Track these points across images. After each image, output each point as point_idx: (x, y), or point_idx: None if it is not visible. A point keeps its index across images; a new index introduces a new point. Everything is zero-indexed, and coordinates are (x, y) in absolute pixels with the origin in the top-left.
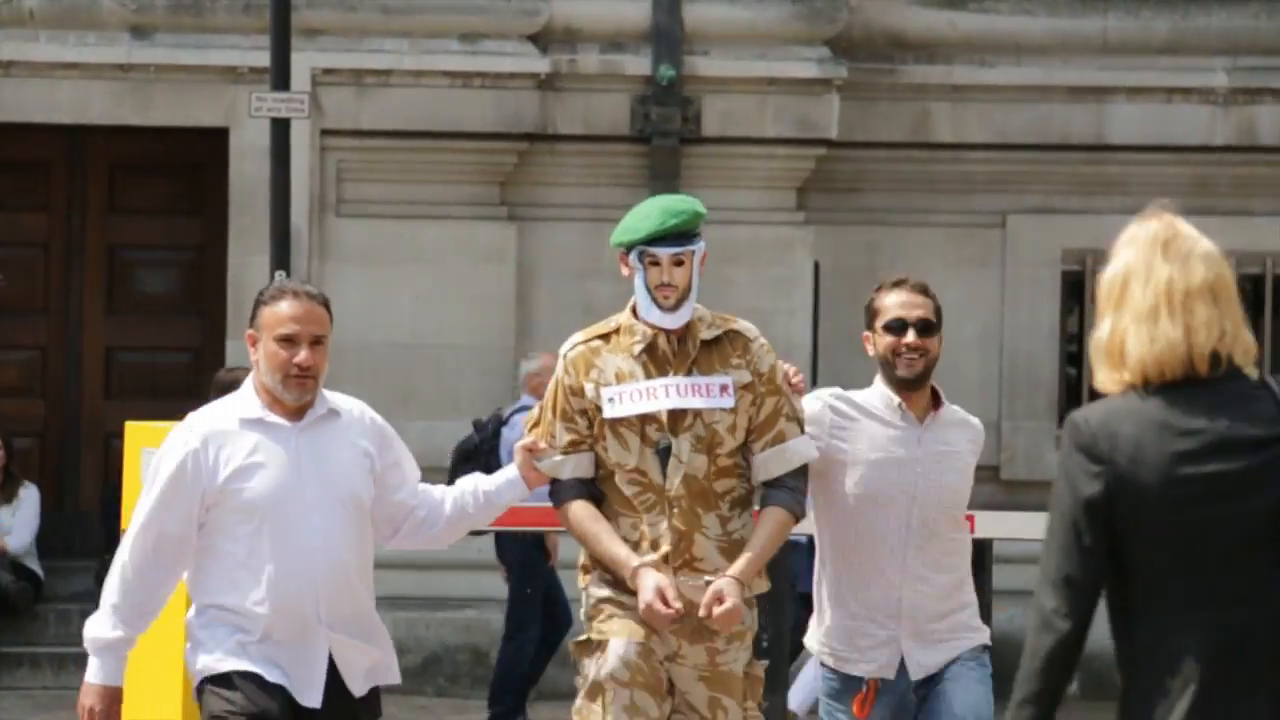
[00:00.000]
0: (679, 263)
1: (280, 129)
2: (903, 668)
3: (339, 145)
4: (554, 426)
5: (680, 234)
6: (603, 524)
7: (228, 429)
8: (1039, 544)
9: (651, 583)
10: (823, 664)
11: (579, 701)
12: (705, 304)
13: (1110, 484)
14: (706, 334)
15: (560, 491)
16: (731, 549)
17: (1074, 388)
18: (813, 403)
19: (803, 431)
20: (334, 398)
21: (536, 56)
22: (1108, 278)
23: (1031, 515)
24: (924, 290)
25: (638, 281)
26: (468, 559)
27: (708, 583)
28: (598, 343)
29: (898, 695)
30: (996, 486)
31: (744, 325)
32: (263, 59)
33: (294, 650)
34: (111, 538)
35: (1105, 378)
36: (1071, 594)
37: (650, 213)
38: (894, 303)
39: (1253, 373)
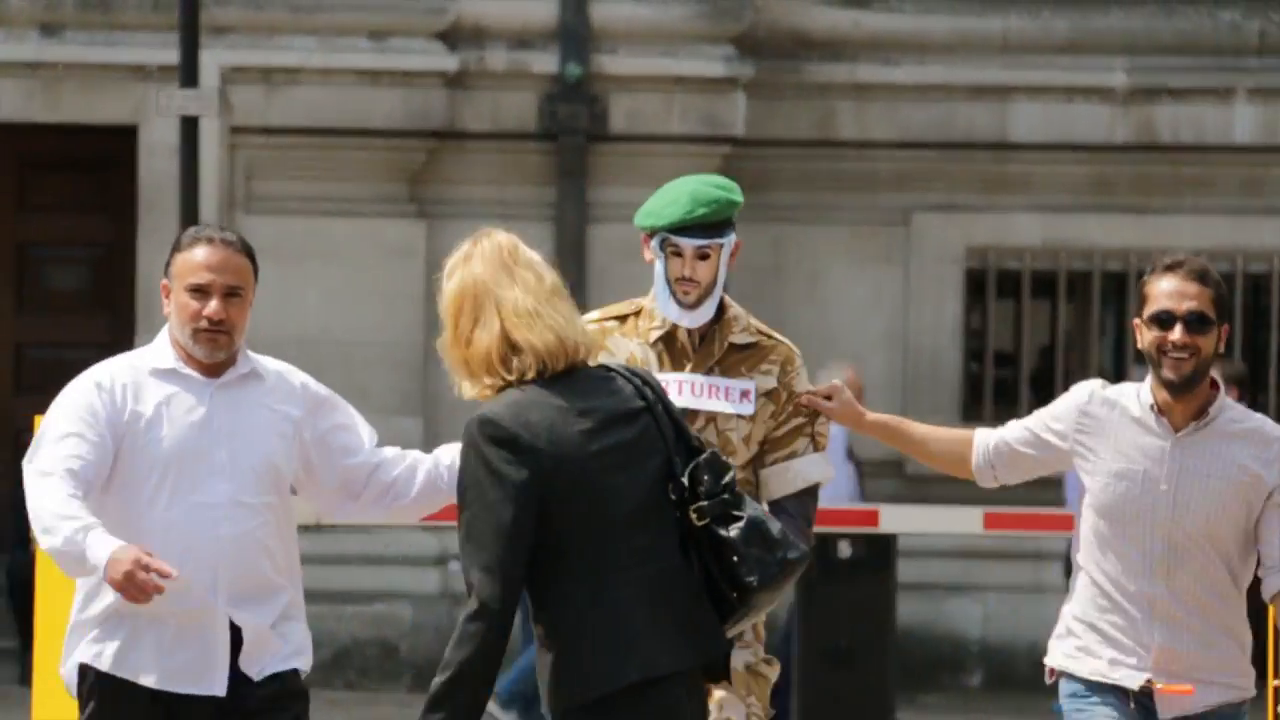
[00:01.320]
0: (704, 256)
1: (189, 126)
2: None
3: (248, 142)
4: None
5: (709, 224)
6: None
7: (138, 378)
8: (944, 538)
9: None
10: None
11: None
12: (610, 303)
13: (537, 467)
14: (738, 338)
15: None
16: None
17: (976, 384)
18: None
19: (819, 451)
20: (261, 360)
21: (444, 54)
22: (455, 293)
23: (937, 509)
24: (1202, 276)
25: (657, 270)
26: (375, 553)
27: None
28: (612, 324)
29: None
30: (900, 481)
31: (792, 346)
32: (171, 57)
33: (187, 630)
34: (21, 532)
35: (475, 386)
36: (505, 580)
37: (678, 197)
38: (1164, 290)
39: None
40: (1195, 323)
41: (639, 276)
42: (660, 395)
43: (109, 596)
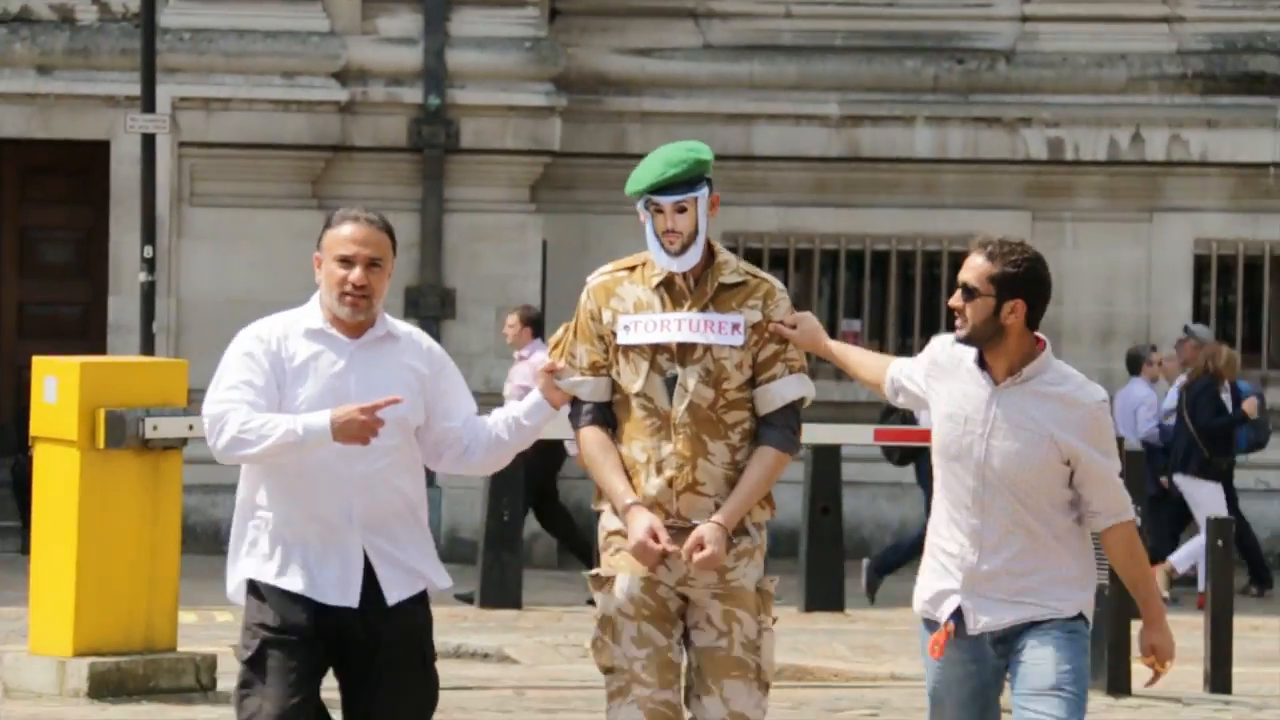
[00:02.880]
0: (681, 210)
1: (148, 141)
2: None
3: (192, 154)
4: (575, 347)
5: (682, 182)
6: (610, 455)
7: (291, 334)
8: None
9: (644, 523)
10: None
11: (594, 633)
12: (461, 275)
13: None
14: (728, 278)
15: (577, 415)
16: (738, 478)
17: None
18: None
19: (795, 373)
20: (395, 323)
21: (338, 89)
22: None
23: (840, 426)
24: (990, 255)
25: (647, 228)
26: None
27: (695, 524)
28: (622, 274)
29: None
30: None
31: (775, 281)
32: (135, 90)
33: (326, 553)
34: (22, 440)
35: None
36: None
37: (653, 164)
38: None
39: None
40: (965, 291)
41: (482, 254)
42: None
43: (261, 522)
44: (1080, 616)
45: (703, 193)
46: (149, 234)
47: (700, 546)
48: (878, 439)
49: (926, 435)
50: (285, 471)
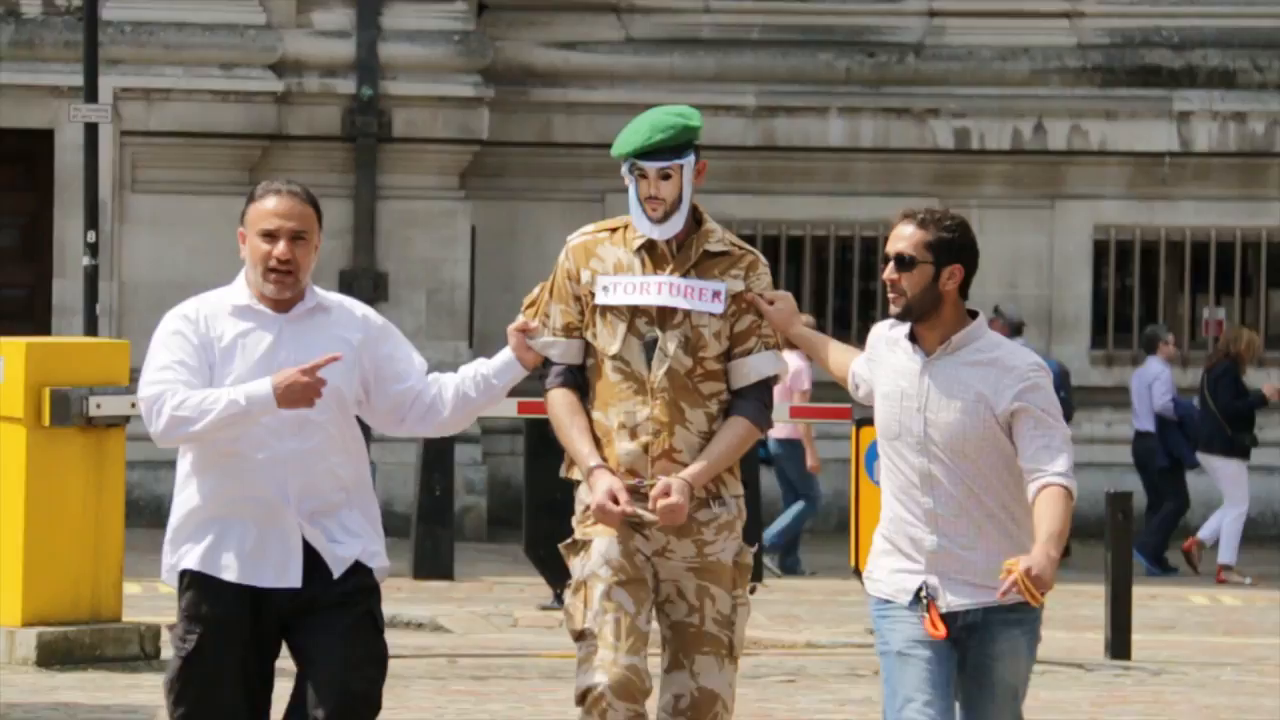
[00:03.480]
0: (666, 176)
1: (91, 130)
2: None
3: (133, 142)
4: (549, 308)
5: (668, 148)
6: (578, 418)
7: (218, 312)
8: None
9: (604, 485)
10: None
11: (567, 598)
12: (393, 260)
13: None
14: (713, 246)
15: (548, 375)
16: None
17: None
18: None
19: (770, 349)
20: (326, 295)
21: (274, 80)
22: None
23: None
24: (922, 222)
25: (630, 192)
26: None
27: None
28: (603, 235)
29: None
30: None
31: (759, 255)
32: (78, 80)
33: (265, 535)
34: None
35: None
36: None
37: (640, 127)
38: (891, 236)
39: None
40: (900, 262)
41: (413, 239)
42: None
43: (197, 505)
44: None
45: (689, 160)
46: (92, 219)
47: (665, 494)
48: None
49: (836, 412)
50: (219, 452)
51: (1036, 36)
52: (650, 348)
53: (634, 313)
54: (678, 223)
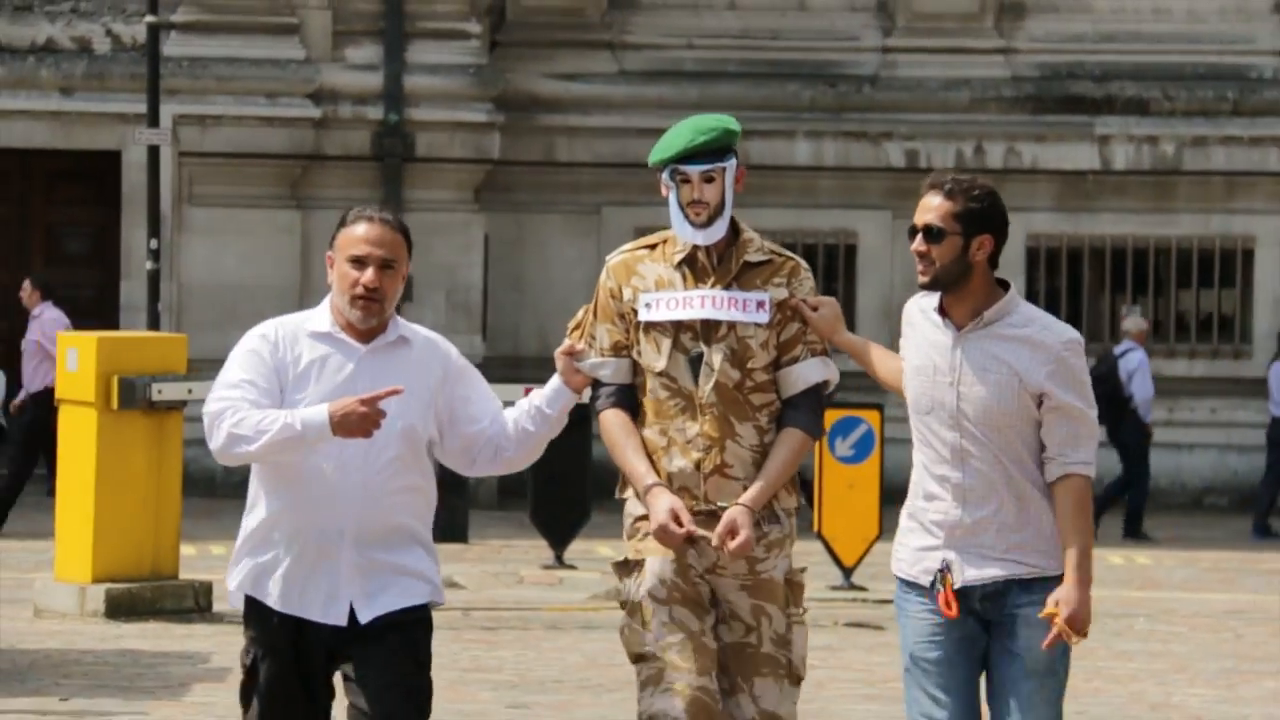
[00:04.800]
0: (709, 179)
1: (153, 152)
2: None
3: (190, 162)
4: (595, 329)
5: (711, 151)
6: (632, 437)
7: (298, 336)
8: None
9: (665, 504)
10: None
11: (623, 620)
12: (417, 265)
13: None
14: (753, 256)
15: (599, 397)
16: (765, 461)
17: None
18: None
19: (817, 356)
20: (410, 327)
21: (312, 107)
22: None
23: None
24: (949, 192)
25: (671, 200)
26: None
27: (723, 508)
28: (642, 252)
29: None
30: None
31: (801, 261)
32: (142, 108)
33: (316, 568)
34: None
35: None
36: None
37: (682, 131)
38: (919, 206)
39: None
40: (929, 233)
41: (434, 247)
42: None
43: (260, 524)
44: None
45: (731, 163)
46: (154, 229)
47: (732, 533)
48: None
49: None
50: (284, 478)
51: (976, 70)
52: (696, 363)
53: (678, 328)
54: (721, 228)
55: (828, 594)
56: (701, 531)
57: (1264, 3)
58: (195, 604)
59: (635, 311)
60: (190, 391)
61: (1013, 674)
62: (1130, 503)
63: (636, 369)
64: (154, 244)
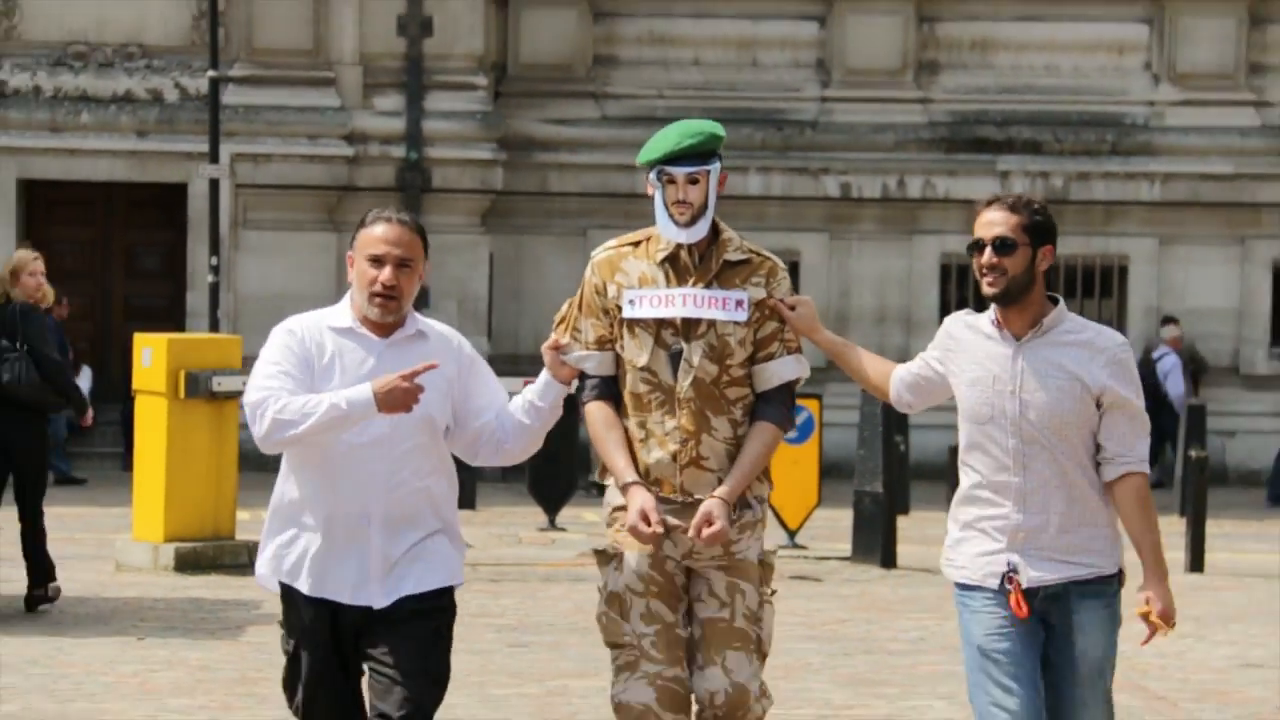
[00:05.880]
0: (694, 181)
1: (214, 184)
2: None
3: (245, 192)
4: (580, 323)
5: (696, 154)
6: (614, 431)
7: (321, 331)
8: None
9: (637, 504)
10: None
11: (601, 607)
12: (433, 278)
13: None
14: (733, 255)
15: (584, 390)
16: (739, 453)
17: None
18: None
19: (792, 354)
20: (426, 322)
21: (347, 147)
22: None
23: None
24: (1012, 206)
25: (657, 199)
26: None
27: (699, 499)
28: (626, 249)
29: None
30: None
31: (778, 261)
32: (204, 148)
33: (346, 552)
34: (126, 391)
35: None
36: None
37: (669, 134)
38: (980, 221)
39: None
40: (1000, 246)
41: (447, 263)
42: None
43: (288, 503)
44: (1119, 573)
45: (715, 166)
46: (214, 249)
47: (709, 523)
48: None
49: None
50: (312, 466)
51: (898, 117)
52: (676, 359)
53: (660, 325)
54: (703, 227)
55: (777, 553)
56: (674, 521)
57: (1136, 62)
58: (249, 560)
59: (619, 308)
60: (244, 384)
61: (1070, 678)
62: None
63: (618, 361)
64: (214, 261)
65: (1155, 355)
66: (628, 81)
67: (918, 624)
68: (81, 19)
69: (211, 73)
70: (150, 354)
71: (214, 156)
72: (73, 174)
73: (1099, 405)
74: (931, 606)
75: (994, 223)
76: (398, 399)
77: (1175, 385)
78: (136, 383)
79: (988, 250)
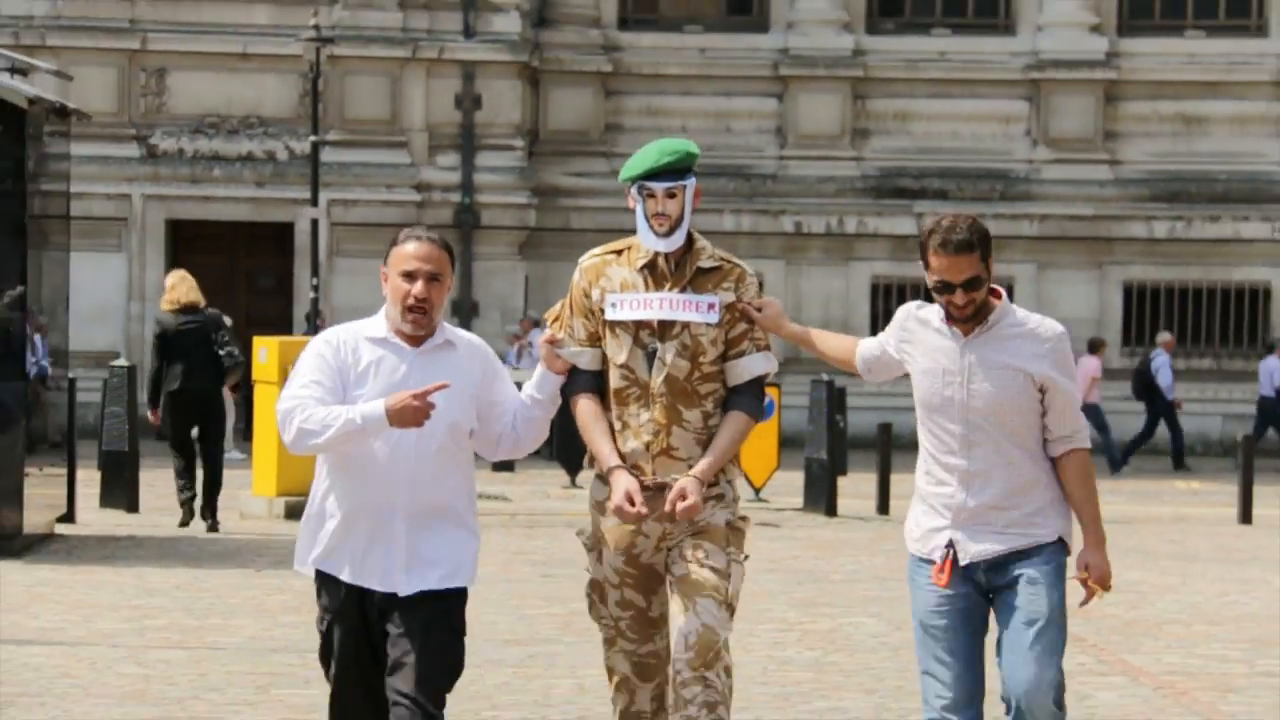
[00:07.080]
0: (672, 195)
1: (314, 223)
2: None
3: (338, 230)
4: (573, 321)
5: (674, 170)
6: (599, 422)
7: (357, 340)
8: None
9: (622, 486)
10: None
11: (587, 588)
12: (481, 294)
13: None
14: (705, 263)
15: (573, 383)
16: (709, 441)
17: None
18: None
19: (761, 351)
20: (455, 332)
21: (415, 194)
22: None
23: None
24: (969, 247)
25: (638, 211)
26: None
27: (675, 479)
28: (610, 256)
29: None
30: None
31: (747, 267)
32: (308, 194)
33: (374, 542)
34: (247, 381)
35: None
36: None
37: (649, 152)
38: (942, 264)
39: None
40: (969, 285)
41: (492, 283)
42: None
43: (326, 495)
44: (1060, 540)
45: (690, 182)
46: (315, 272)
47: (682, 497)
48: None
49: None
50: (346, 464)
51: (839, 170)
52: (651, 357)
53: (639, 326)
54: (680, 237)
55: (744, 504)
56: (650, 510)
57: (1019, 129)
58: None
59: (602, 310)
60: None
61: (1015, 623)
62: (1173, 446)
63: (604, 357)
64: (315, 282)
65: (1151, 356)
66: (631, 144)
67: (853, 559)
68: (214, 97)
69: (313, 138)
70: (266, 353)
71: (314, 201)
72: (208, 216)
73: (1042, 391)
74: (864, 546)
75: (961, 268)
76: (408, 416)
77: (1165, 378)
78: (255, 375)
79: (959, 291)
